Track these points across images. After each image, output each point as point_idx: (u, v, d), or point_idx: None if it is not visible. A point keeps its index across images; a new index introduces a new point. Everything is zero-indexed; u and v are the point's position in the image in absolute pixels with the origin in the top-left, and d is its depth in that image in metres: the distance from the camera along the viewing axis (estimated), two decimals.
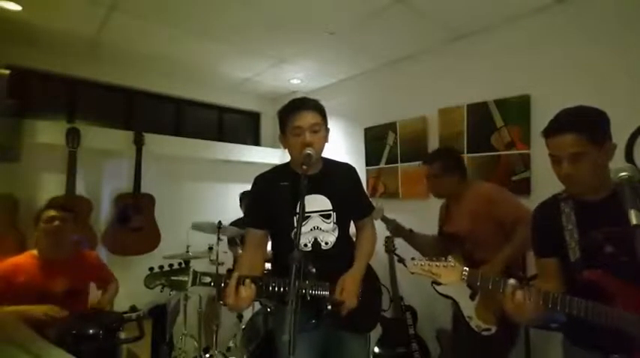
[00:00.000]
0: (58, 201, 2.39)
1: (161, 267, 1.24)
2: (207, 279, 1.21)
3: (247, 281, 1.20)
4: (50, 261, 2.02)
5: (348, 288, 1.36)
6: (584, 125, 1.10)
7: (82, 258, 2.18)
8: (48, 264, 2.00)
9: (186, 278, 1.21)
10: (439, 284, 1.89)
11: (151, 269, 1.25)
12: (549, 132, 1.16)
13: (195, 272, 1.22)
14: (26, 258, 2.02)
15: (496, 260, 1.70)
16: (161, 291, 1.23)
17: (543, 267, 1.28)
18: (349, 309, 1.35)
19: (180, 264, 1.25)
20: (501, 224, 1.76)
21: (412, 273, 1.27)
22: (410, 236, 2.16)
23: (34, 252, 2.04)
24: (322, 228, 1.44)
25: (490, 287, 1.16)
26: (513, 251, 1.71)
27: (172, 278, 1.21)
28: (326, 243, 1.44)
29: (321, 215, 1.44)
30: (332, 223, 1.46)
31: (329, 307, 1.34)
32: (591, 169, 1.10)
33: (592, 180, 1.12)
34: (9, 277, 1.91)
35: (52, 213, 2.05)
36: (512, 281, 1.11)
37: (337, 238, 1.46)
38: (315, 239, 1.43)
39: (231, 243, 3.09)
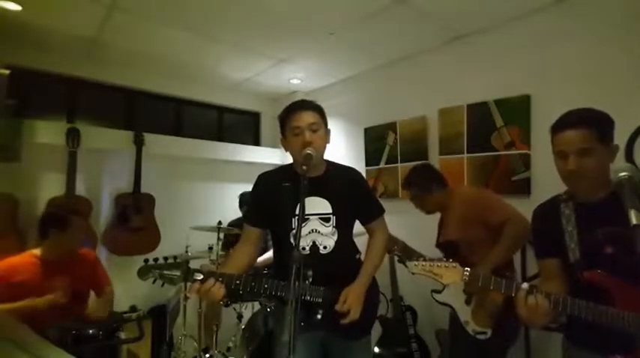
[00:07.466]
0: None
1: (156, 260, 1.26)
2: (200, 276, 1.22)
3: (217, 280, 1.22)
4: (51, 261, 2.02)
5: (352, 300, 1.35)
6: (594, 122, 1.12)
7: (81, 256, 2.18)
8: (48, 264, 2.01)
9: (178, 274, 1.22)
10: (438, 292, 1.93)
11: (146, 261, 1.27)
12: (559, 126, 1.17)
13: (187, 269, 1.23)
14: (25, 258, 2.01)
15: (485, 261, 1.70)
16: (153, 283, 1.23)
17: (545, 267, 1.29)
18: (352, 320, 1.33)
19: (175, 258, 1.26)
20: (489, 225, 1.77)
21: (413, 274, 1.25)
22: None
23: (35, 251, 2.04)
24: (321, 232, 1.43)
25: (492, 287, 1.16)
26: (502, 252, 1.72)
27: (165, 272, 1.22)
28: (324, 247, 1.42)
29: (320, 218, 1.43)
30: (331, 227, 1.44)
31: (319, 316, 1.34)
32: (596, 167, 1.11)
33: (595, 178, 1.12)
34: (6, 277, 1.91)
35: None
36: (524, 285, 1.10)
37: (336, 242, 1.44)
38: (314, 242, 1.42)
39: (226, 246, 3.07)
